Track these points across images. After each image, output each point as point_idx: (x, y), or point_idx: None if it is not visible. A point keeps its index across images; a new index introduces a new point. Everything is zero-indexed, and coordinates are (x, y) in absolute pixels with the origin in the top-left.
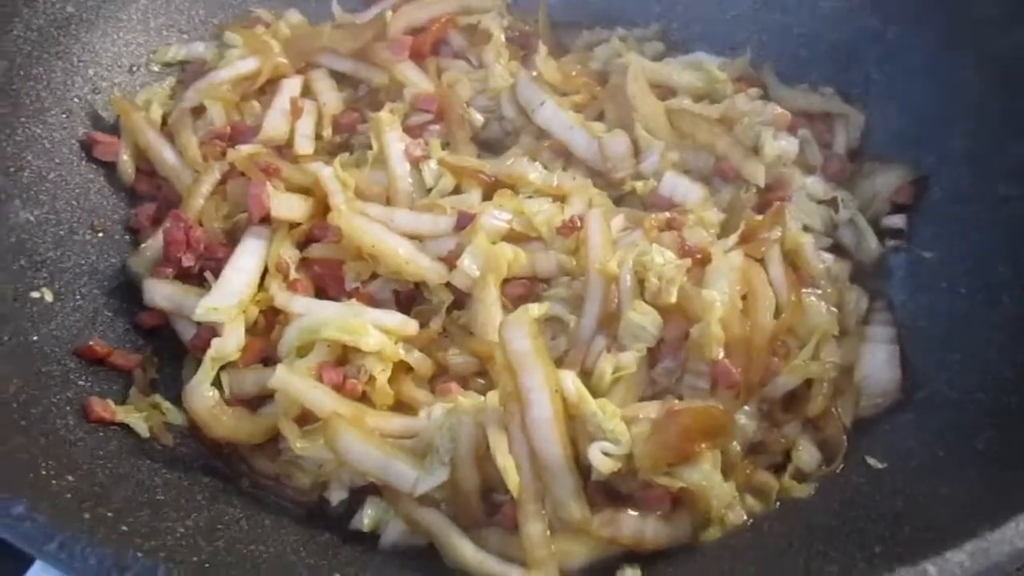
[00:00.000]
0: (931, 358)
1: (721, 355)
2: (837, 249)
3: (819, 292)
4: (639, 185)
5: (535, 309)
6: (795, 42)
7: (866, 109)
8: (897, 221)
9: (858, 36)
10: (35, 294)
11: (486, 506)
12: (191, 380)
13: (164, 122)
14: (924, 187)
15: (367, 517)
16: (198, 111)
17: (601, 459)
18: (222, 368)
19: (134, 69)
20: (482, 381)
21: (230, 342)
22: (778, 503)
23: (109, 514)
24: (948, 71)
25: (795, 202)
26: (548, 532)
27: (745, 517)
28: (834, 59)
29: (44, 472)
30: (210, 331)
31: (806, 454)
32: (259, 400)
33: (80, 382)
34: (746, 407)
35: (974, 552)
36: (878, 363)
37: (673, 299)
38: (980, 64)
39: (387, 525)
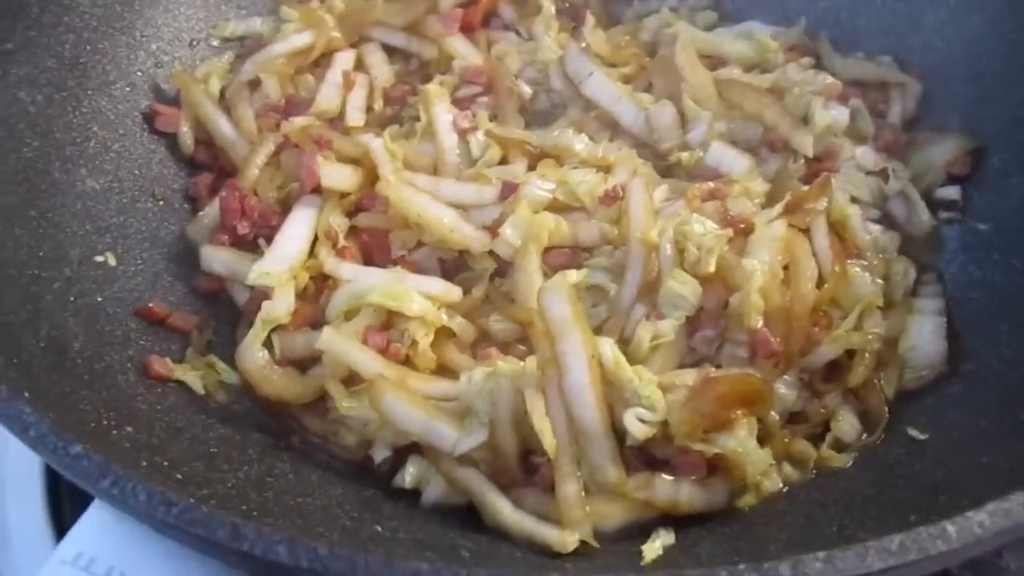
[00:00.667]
0: (981, 331)
1: (760, 324)
2: (887, 221)
3: (865, 263)
4: (685, 156)
5: (573, 275)
6: (853, 10)
7: (924, 78)
8: (952, 193)
9: (919, 2)
10: (99, 258)
11: (524, 467)
12: (243, 341)
13: (222, 95)
14: (981, 158)
15: (409, 475)
16: (254, 84)
17: (636, 425)
18: (273, 331)
19: (194, 44)
20: (523, 347)
21: (280, 305)
22: (815, 472)
23: (165, 463)
24: (1011, 38)
25: (844, 173)
26: (584, 494)
27: (781, 485)
28: (894, 27)
29: (105, 423)
30: (263, 295)
31: (846, 424)
32: (308, 361)
33: (141, 342)
34: (786, 376)
35: (994, 511)
36: (924, 335)
37: (711, 268)
38: None
39: (428, 483)
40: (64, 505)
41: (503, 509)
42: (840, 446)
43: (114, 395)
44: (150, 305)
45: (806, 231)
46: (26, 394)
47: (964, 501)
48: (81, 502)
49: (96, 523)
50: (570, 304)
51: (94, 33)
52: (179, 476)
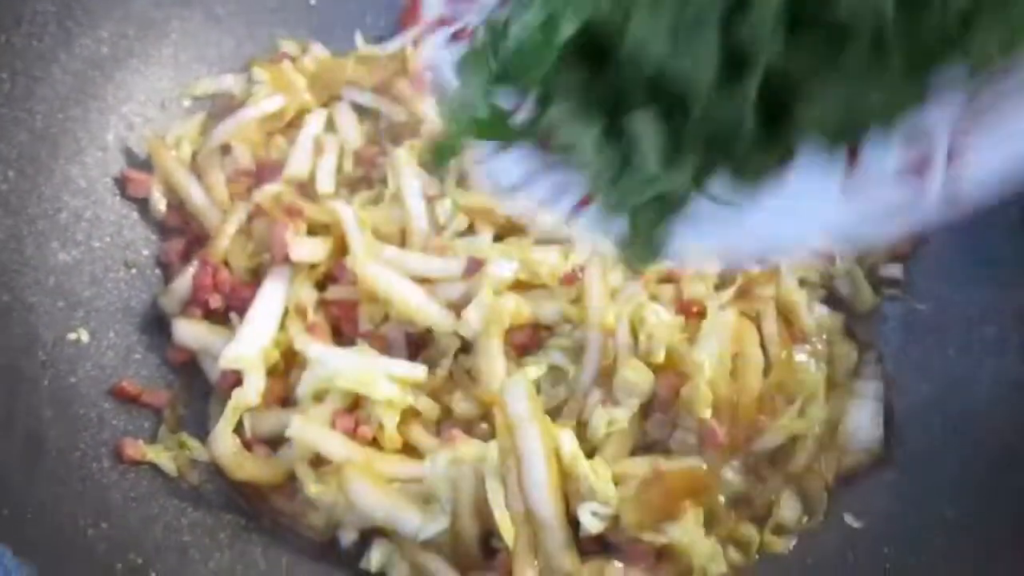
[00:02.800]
0: (914, 417)
1: (709, 414)
2: (832, 299)
3: (810, 349)
4: None
5: (532, 371)
6: None
7: None
8: (894, 271)
9: None
10: (72, 335)
11: (484, 551)
12: (215, 429)
13: (194, 158)
14: (922, 238)
15: (375, 559)
16: (225, 148)
17: (591, 520)
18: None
19: (166, 104)
20: (485, 425)
21: (250, 392)
22: (758, 555)
23: (140, 561)
24: None
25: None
26: None
27: (725, 569)
28: None
29: (82, 522)
30: (234, 373)
31: (787, 509)
32: (278, 440)
33: (114, 422)
34: (733, 462)
35: None
36: (863, 420)
37: (661, 359)
38: None
39: (393, 567)
40: None
41: None
42: (781, 530)
43: (89, 488)
44: (123, 384)
45: (754, 317)
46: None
47: None
48: None
49: None
50: (530, 400)
51: (66, 101)
52: (153, 574)
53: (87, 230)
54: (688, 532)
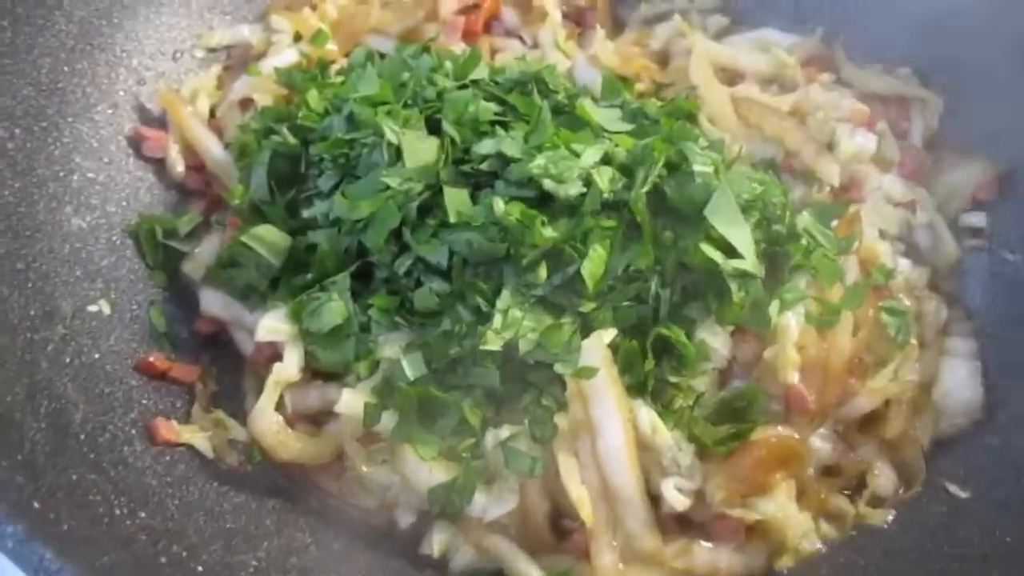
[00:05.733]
0: (1014, 374)
1: (796, 379)
2: (912, 253)
3: (896, 304)
4: None
5: (607, 335)
6: (870, 14)
7: (946, 92)
8: (978, 219)
9: (941, 7)
10: (92, 307)
11: (555, 531)
12: (255, 406)
13: (212, 113)
14: (1009, 181)
15: (436, 542)
16: (246, 102)
17: (676, 496)
18: None
19: (178, 56)
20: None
21: (292, 365)
22: (854, 531)
23: (184, 553)
24: None
25: (871, 204)
26: (620, 564)
27: (820, 545)
28: (914, 34)
29: (118, 512)
30: (270, 345)
31: (883, 477)
32: (322, 416)
33: (143, 401)
34: (821, 429)
35: None
36: (958, 380)
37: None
38: None
39: (456, 551)
40: None
41: None
42: (877, 501)
43: (123, 474)
44: (150, 358)
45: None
46: (43, 518)
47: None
48: None
49: None
50: (605, 365)
51: (72, 53)
52: (199, 568)
53: (101, 193)
54: (782, 506)
